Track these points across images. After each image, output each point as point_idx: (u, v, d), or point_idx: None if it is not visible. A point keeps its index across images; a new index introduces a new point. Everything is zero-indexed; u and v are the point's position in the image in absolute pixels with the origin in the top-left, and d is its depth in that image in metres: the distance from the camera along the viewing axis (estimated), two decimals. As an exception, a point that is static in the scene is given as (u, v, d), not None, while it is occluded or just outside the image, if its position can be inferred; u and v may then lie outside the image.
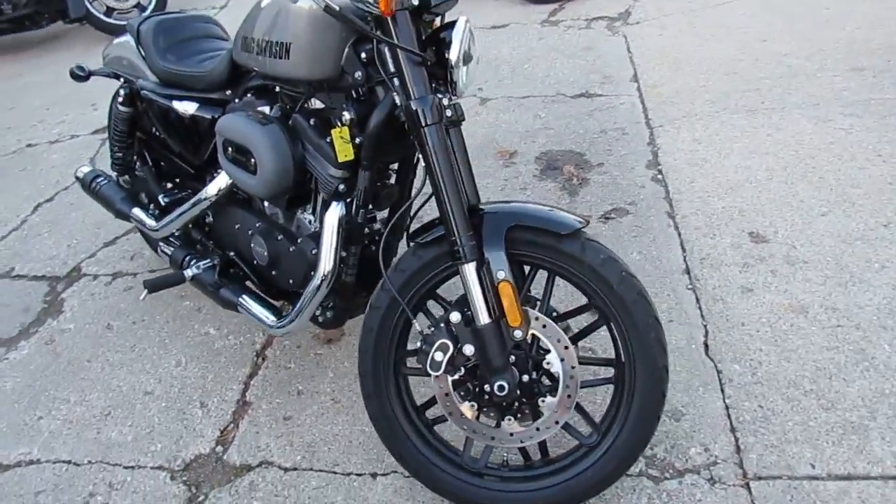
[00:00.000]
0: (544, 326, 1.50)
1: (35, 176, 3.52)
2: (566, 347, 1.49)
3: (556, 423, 1.52)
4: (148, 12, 5.11)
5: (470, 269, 1.43)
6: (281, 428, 1.93)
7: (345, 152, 1.59)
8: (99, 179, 2.40)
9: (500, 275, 1.45)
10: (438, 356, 1.47)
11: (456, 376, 1.53)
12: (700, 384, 1.88)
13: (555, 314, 1.59)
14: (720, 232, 2.41)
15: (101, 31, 5.09)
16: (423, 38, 1.48)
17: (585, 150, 3.01)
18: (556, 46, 4.07)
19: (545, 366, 1.51)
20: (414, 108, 1.41)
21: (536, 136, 3.16)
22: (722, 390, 1.85)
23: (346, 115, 1.57)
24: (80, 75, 2.32)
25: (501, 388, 1.45)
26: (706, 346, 1.99)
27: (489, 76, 3.79)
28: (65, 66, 4.16)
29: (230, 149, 1.75)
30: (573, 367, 1.49)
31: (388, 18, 1.40)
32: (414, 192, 1.66)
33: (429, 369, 1.48)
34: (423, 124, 1.41)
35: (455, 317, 1.48)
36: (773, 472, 1.62)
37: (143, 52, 2.14)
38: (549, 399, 1.51)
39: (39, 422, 2.07)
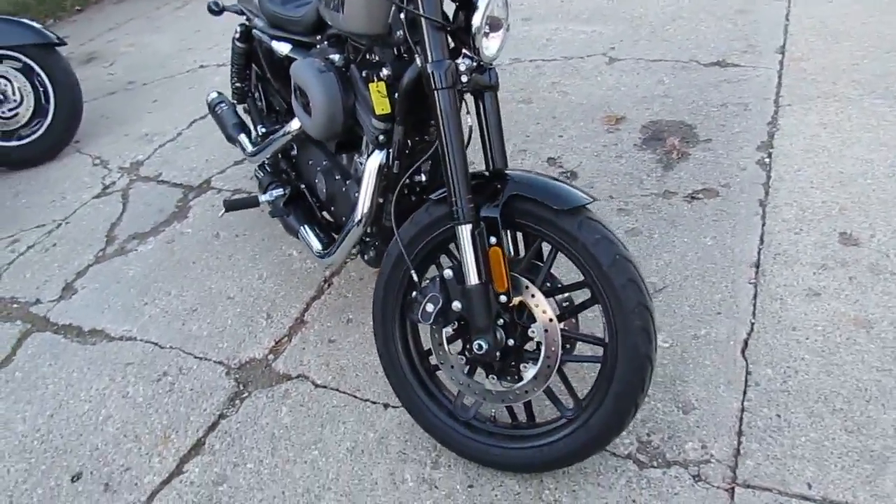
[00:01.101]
0: (533, 296, 1.54)
1: (198, 94, 3.98)
2: (551, 320, 1.52)
3: (535, 389, 1.57)
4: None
5: (465, 231, 1.50)
6: (323, 349, 2.15)
7: (381, 106, 1.70)
8: (221, 104, 2.70)
9: (492, 240, 1.51)
10: (429, 307, 1.56)
11: (449, 329, 1.62)
12: (724, 381, 1.81)
13: (557, 286, 1.62)
14: (809, 228, 2.23)
15: None
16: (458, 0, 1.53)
17: (698, 123, 2.85)
18: (708, 7, 3.80)
19: (530, 334, 1.55)
20: (429, 71, 1.48)
21: (652, 102, 3.04)
22: (744, 392, 1.78)
23: (385, 71, 1.67)
24: (215, 10, 2.60)
25: (480, 346, 1.52)
26: (745, 343, 1.90)
27: (627, 35, 3.65)
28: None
29: (297, 91, 1.92)
30: (555, 340, 1.53)
31: (413, -17, 1.46)
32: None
33: (419, 318, 1.59)
34: (436, 87, 1.47)
35: (448, 273, 1.56)
36: (763, 484, 1.57)
37: None
38: (530, 366, 1.57)
39: (144, 307, 2.45)
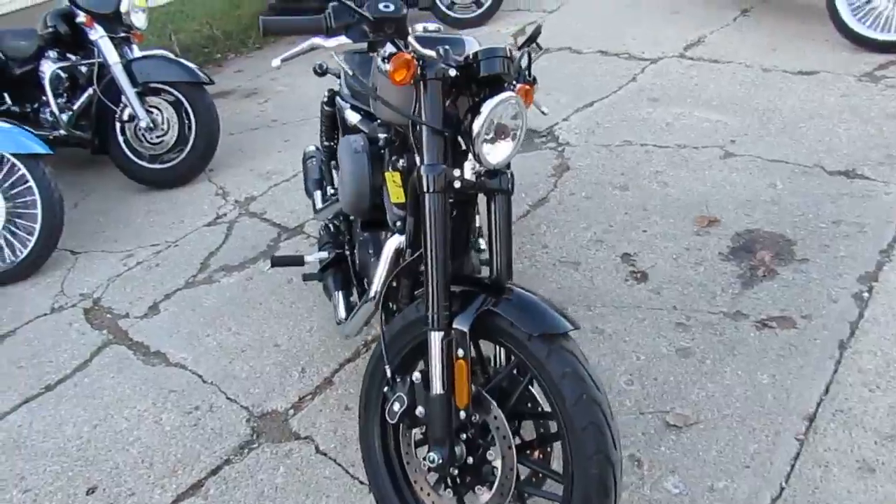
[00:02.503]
0: (496, 418, 1.46)
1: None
2: (509, 447, 1.44)
3: (486, 514, 1.48)
4: (485, 8, 5.63)
5: (435, 338, 1.47)
6: (338, 415, 2.17)
7: (396, 194, 1.72)
8: (312, 159, 2.85)
9: (460, 352, 1.46)
10: (396, 406, 1.54)
11: (417, 432, 1.58)
12: (725, 550, 1.60)
13: (527, 411, 1.53)
14: (888, 387, 1.92)
15: (442, 22, 5.73)
16: (476, 100, 1.51)
17: (800, 239, 2.58)
18: (856, 107, 3.43)
19: (488, 457, 1.47)
20: (420, 173, 1.47)
21: (756, 208, 2.79)
22: (745, 568, 1.55)
23: (401, 162, 1.69)
24: (318, 72, 2.75)
25: (432, 459, 1.47)
26: (766, 510, 1.67)
27: (753, 129, 3.39)
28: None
29: (338, 165, 1.99)
30: (511, 469, 1.44)
31: (420, 83, 1.47)
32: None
33: (387, 415, 1.56)
34: (423, 189, 1.46)
35: (417, 377, 1.53)
36: None
37: (346, 60, 2.47)
38: (484, 491, 1.49)
39: (206, 338, 2.63)
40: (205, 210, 3.60)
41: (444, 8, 5.67)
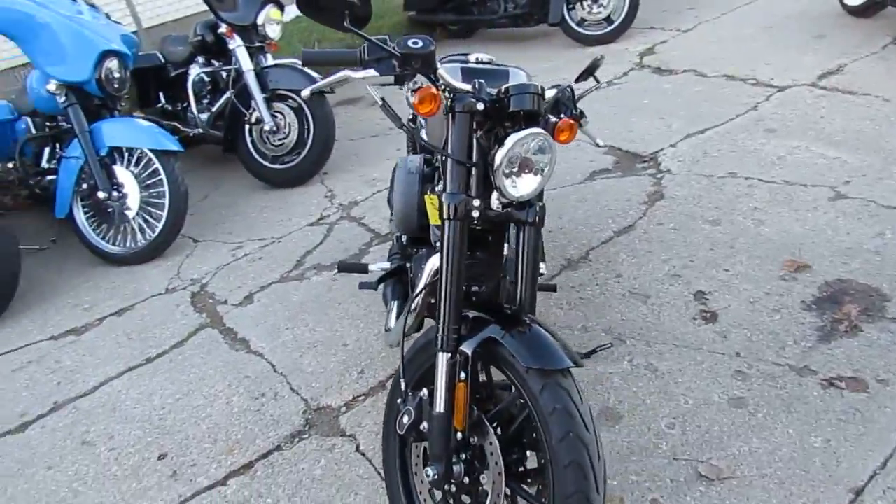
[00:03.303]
0: (491, 444, 1.50)
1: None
2: (500, 473, 1.47)
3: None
4: (615, 25, 5.55)
5: (442, 359, 1.53)
6: (382, 418, 2.27)
7: (434, 216, 1.80)
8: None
9: (462, 375, 1.51)
10: (405, 419, 1.61)
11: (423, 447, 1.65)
12: None
13: (523, 439, 1.55)
14: (956, 470, 1.73)
15: (571, 38, 5.70)
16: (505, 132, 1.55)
17: (897, 295, 2.36)
18: None
19: (481, 479, 1.51)
20: (442, 200, 1.53)
21: (855, 257, 2.58)
22: None
23: (439, 187, 1.76)
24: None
25: (429, 474, 1.53)
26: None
27: (872, 170, 3.12)
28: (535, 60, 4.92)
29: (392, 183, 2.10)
30: (499, 495, 1.47)
31: (449, 115, 1.54)
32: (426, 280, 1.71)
33: (396, 426, 1.64)
34: (443, 216, 1.53)
35: (425, 394, 1.59)
36: None
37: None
38: (476, 510, 1.53)
39: (285, 331, 2.84)
40: (311, 210, 3.85)
41: (573, 24, 5.65)
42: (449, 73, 1.80)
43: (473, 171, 1.59)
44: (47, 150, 3.96)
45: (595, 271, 2.80)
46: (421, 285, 1.91)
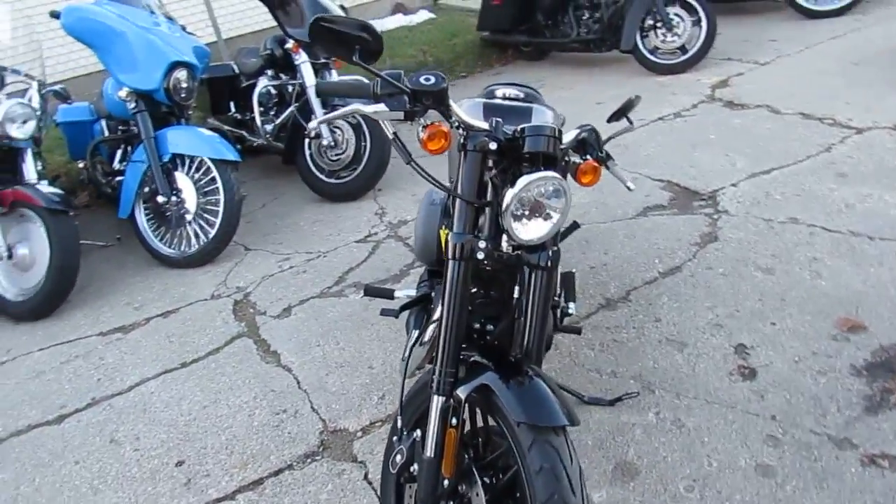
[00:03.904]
0: (478, 495, 1.45)
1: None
2: (485, 525, 1.42)
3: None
4: (689, 55, 5.39)
5: (436, 402, 1.49)
6: (395, 447, 2.25)
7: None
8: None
9: (453, 421, 1.46)
10: (398, 458, 1.58)
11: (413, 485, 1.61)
12: None
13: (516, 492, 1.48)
14: None
15: (643, 66, 5.57)
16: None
17: (961, 367, 2.16)
18: None
19: (466, 531, 1.46)
20: (449, 240, 1.50)
21: (918, 321, 2.38)
22: None
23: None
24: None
25: (413, 521, 1.49)
26: None
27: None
28: (602, 87, 4.86)
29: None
30: (481, 551, 1.41)
31: (461, 153, 1.51)
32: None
33: (389, 464, 1.61)
34: (447, 255, 1.49)
35: (417, 435, 1.55)
36: None
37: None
38: (460, 561, 1.47)
39: (315, 347, 2.86)
40: (360, 227, 3.88)
41: (646, 52, 5.52)
42: (470, 109, 1.79)
43: (487, 210, 1.56)
44: (119, 152, 4.15)
45: (633, 313, 2.70)
46: (435, 316, 1.88)
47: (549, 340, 2.03)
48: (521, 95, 1.84)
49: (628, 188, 1.92)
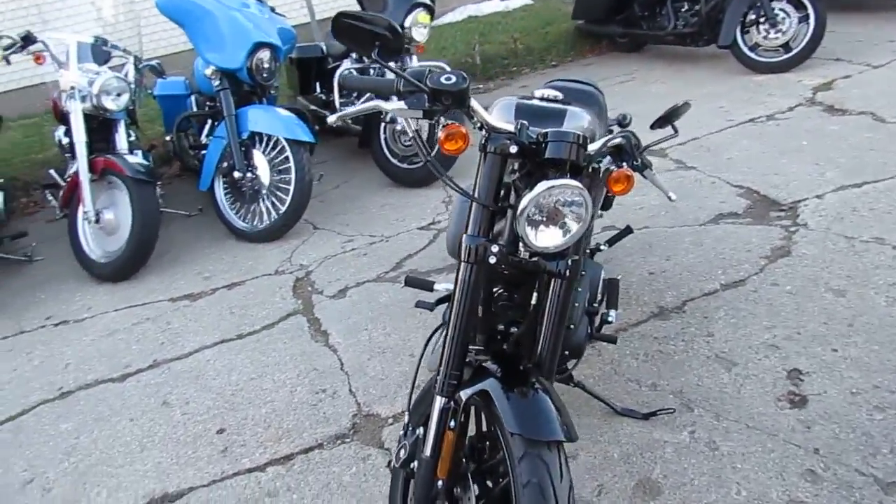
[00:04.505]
0: (470, 500, 1.44)
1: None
2: (473, 531, 1.41)
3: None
4: (793, 53, 5.07)
5: (438, 402, 1.49)
6: (422, 438, 2.27)
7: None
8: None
9: (452, 423, 1.46)
10: (401, 453, 1.60)
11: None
12: None
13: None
14: None
15: (741, 63, 5.27)
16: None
17: None
18: None
19: (460, 532, 1.46)
20: (462, 242, 1.49)
21: None
22: None
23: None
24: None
25: (409, 512, 1.51)
26: None
27: None
28: (695, 83, 4.70)
29: (457, 210, 2.06)
30: (466, 556, 1.41)
31: (482, 154, 1.49)
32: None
33: (394, 458, 1.62)
34: (461, 258, 1.48)
35: (420, 433, 1.56)
36: None
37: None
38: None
39: (363, 331, 2.91)
40: (425, 214, 3.91)
41: (745, 49, 5.23)
42: (503, 109, 1.75)
43: (509, 214, 1.53)
44: (207, 127, 4.35)
45: (686, 325, 2.59)
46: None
47: (580, 349, 1.98)
48: (560, 96, 1.78)
49: (669, 198, 1.83)
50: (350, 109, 1.71)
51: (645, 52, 6.41)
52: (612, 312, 2.17)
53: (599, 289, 2.18)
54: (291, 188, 3.75)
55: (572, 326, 1.96)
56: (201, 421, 2.51)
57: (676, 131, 1.78)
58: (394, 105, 1.50)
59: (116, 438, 2.50)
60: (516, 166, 1.54)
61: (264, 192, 3.88)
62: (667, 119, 1.76)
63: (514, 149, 1.45)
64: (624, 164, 1.64)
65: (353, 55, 4.60)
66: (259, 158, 3.86)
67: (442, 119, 1.50)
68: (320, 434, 2.37)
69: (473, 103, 1.46)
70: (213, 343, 3.00)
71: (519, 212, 1.42)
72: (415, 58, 4.34)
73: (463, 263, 1.48)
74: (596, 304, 2.11)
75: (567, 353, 1.97)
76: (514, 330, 1.77)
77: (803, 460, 1.96)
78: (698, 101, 4.55)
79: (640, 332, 2.59)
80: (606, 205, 2.70)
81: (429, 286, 2.42)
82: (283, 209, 3.80)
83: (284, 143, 3.77)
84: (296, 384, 2.64)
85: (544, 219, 1.44)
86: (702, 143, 4.13)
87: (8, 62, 3.73)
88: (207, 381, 2.74)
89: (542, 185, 1.40)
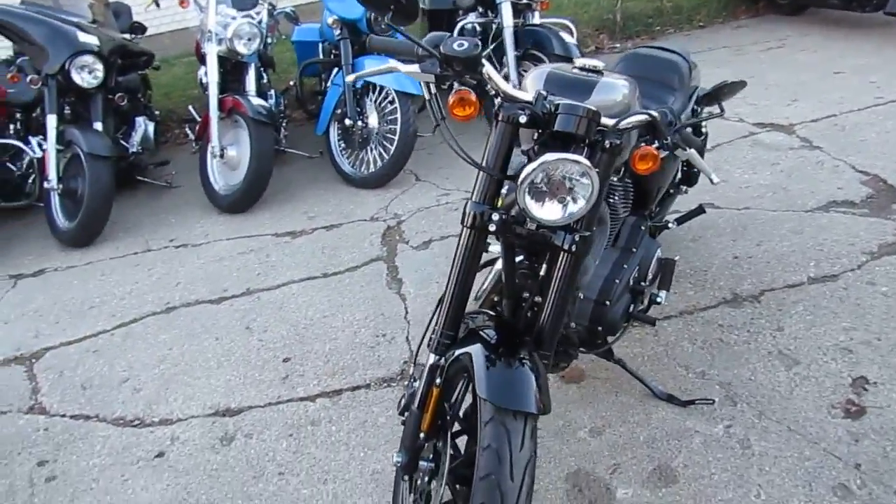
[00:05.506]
0: (441, 456, 1.50)
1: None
2: (444, 485, 1.48)
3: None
4: None
5: (429, 359, 1.55)
6: (460, 392, 2.35)
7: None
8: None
9: (437, 381, 1.52)
10: (402, 402, 1.69)
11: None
12: None
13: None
14: None
15: None
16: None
17: None
18: None
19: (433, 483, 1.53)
20: (465, 207, 1.52)
21: None
22: None
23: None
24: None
25: (395, 459, 1.59)
26: None
27: None
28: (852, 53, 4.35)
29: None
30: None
31: (494, 121, 1.49)
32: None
33: (399, 407, 1.71)
34: (462, 223, 1.52)
35: (416, 384, 1.63)
36: None
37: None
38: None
39: (434, 283, 3.00)
40: (524, 174, 3.89)
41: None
42: (536, 77, 1.72)
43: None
44: (332, 74, 4.56)
45: (756, 316, 2.44)
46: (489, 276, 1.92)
47: (614, 326, 1.95)
48: (601, 66, 1.72)
49: (711, 181, 1.73)
50: (369, 70, 1.76)
51: (805, 15, 5.83)
52: (662, 293, 2.10)
53: (651, 268, 2.11)
54: (397, 137, 3.88)
55: (608, 303, 1.93)
56: (273, 348, 2.75)
57: (723, 111, 1.67)
58: (409, 67, 1.54)
59: (201, 353, 2.80)
60: (535, 136, 1.53)
61: (373, 140, 4.04)
62: (714, 96, 1.66)
63: (523, 118, 1.44)
64: (655, 141, 1.57)
65: (480, 9, 4.60)
66: (370, 108, 4.01)
67: (455, 85, 1.51)
68: (370, 375, 2.51)
69: (489, 70, 1.46)
70: (300, 279, 3.23)
71: (519, 181, 1.42)
72: (536, 14, 4.27)
73: (463, 229, 1.52)
74: (644, 283, 2.06)
75: (601, 328, 1.95)
76: (538, 299, 1.79)
77: (839, 474, 1.82)
78: (847, 73, 4.11)
79: (704, 317, 2.48)
80: (691, 180, 2.57)
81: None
82: (387, 157, 3.94)
83: (393, 94, 3.88)
84: (361, 326, 2.80)
85: (546, 190, 1.43)
86: (837, 121, 3.75)
87: (157, 5, 4.11)
88: (287, 314, 2.97)
89: (544, 157, 1.39)
